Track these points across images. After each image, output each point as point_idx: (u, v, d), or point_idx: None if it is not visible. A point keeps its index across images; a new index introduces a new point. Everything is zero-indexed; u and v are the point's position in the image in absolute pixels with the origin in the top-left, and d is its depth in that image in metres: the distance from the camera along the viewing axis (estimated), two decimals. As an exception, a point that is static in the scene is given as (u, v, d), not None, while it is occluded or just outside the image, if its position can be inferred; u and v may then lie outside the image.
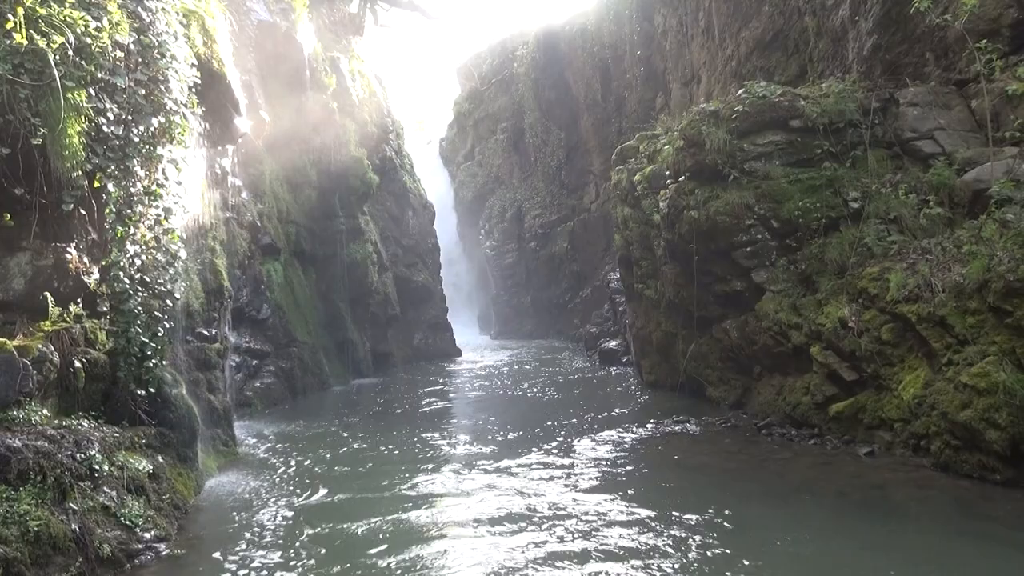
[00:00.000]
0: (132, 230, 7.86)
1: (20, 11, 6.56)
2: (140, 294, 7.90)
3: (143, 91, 8.06)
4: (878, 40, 12.88)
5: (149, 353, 7.81)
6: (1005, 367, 7.64)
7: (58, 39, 6.78)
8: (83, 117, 7.09)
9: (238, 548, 6.83)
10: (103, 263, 7.74)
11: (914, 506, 7.50)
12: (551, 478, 8.92)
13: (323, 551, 6.69)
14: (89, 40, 7.16)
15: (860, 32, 13.29)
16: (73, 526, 5.86)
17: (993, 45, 10.42)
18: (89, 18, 7.20)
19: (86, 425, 6.87)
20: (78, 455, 6.28)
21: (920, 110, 11.66)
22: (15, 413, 6.22)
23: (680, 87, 23.16)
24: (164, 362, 8.20)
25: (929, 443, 8.49)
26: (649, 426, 11.78)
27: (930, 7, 10.94)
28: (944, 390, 8.29)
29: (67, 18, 6.96)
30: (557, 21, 33.55)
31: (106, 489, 6.50)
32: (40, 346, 6.63)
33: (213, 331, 11.04)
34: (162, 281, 8.28)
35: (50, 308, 7.04)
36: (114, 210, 7.63)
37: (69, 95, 6.88)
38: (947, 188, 10.32)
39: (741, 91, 13.01)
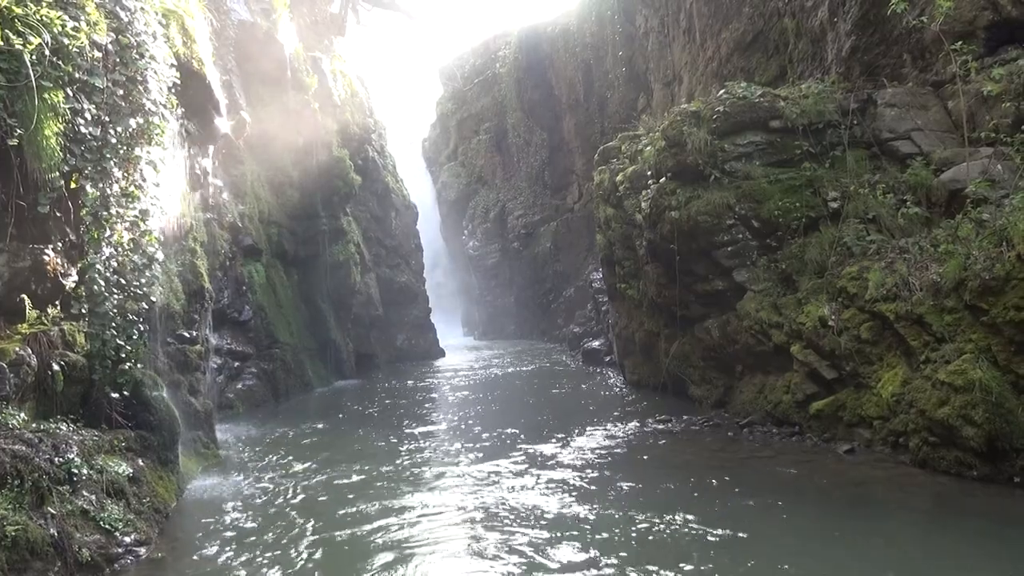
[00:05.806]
0: (109, 232, 7.77)
1: (-5, 10, 6.49)
2: (116, 296, 7.80)
3: (121, 91, 7.99)
4: (856, 41, 13.00)
5: (124, 356, 7.72)
6: (981, 364, 7.75)
7: (35, 39, 6.69)
8: (60, 118, 7.01)
9: (219, 551, 6.78)
10: (80, 265, 7.66)
11: (894, 503, 7.58)
12: (533, 479, 8.92)
13: (306, 553, 6.66)
14: (66, 40, 7.07)
15: (839, 33, 13.41)
16: (51, 530, 5.79)
17: (968, 47, 10.53)
18: (66, 18, 7.11)
19: (64, 428, 6.79)
20: (56, 459, 6.21)
21: (898, 111, 11.79)
22: (-8, 417, 6.15)
23: (662, 88, 23.26)
24: (140, 365, 8.09)
25: (908, 440, 8.59)
26: (632, 425, 11.83)
27: (906, 9, 11.05)
28: (922, 387, 8.39)
29: (44, 18, 6.87)
30: (539, 22, 33.60)
31: (85, 493, 6.43)
32: (17, 349, 6.55)
33: (194, 333, 10.96)
34: (139, 283, 8.18)
35: (27, 310, 6.96)
36: (91, 212, 7.55)
37: (46, 95, 6.81)
38: (924, 188, 10.44)
39: (722, 92, 13.08)
